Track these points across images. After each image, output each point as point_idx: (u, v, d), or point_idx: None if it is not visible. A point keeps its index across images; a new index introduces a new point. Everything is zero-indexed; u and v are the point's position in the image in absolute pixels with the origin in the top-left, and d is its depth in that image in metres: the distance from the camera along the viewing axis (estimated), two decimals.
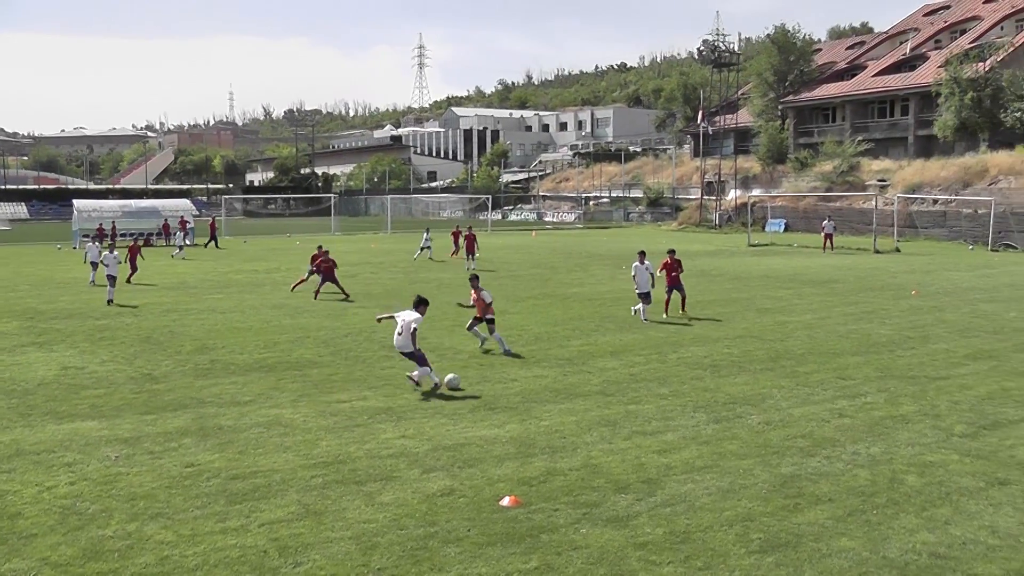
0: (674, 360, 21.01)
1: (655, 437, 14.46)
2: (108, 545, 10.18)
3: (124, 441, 14.22)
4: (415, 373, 17.91)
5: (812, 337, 24.38)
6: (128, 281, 37.78)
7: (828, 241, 57.52)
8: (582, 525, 10.75)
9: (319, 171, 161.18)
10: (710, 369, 20.01)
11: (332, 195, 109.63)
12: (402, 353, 18.29)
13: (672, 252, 28.59)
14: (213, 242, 63.97)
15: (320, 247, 35.39)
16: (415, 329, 18.08)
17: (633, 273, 27.58)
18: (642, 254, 27.70)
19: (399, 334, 18.08)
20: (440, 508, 11.29)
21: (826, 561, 9.83)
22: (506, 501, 11.46)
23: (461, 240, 48.39)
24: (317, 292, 32.89)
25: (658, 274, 27.60)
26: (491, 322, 22.52)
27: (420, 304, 18.57)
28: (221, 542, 10.27)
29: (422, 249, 52.00)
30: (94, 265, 37.39)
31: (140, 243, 42.34)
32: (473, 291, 22.63)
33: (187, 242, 58.39)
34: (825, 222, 60.51)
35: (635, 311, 27.70)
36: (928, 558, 9.96)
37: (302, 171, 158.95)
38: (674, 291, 28.02)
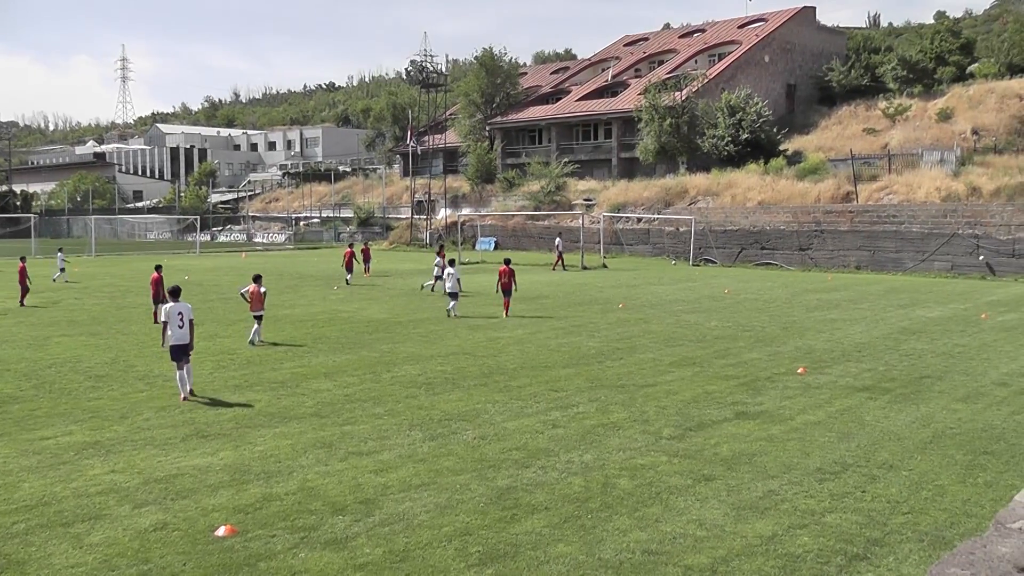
0: (388, 379, 21.08)
1: (371, 457, 14.46)
2: None
3: None
4: (189, 380, 18.99)
5: (524, 352, 24.97)
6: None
7: (560, 259, 59.61)
8: (300, 550, 10.64)
9: (17, 189, 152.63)
10: (424, 387, 20.17)
11: (32, 215, 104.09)
12: (182, 347, 18.79)
13: (508, 261, 34.30)
14: None
15: (157, 267, 33.06)
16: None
17: (444, 276, 34.25)
18: (452, 261, 35.30)
19: (180, 327, 18.68)
20: (153, 544, 10.89)
21: (544, 568, 10.09)
22: (221, 531, 11.17)
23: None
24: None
25: (496, 288, 33.81)
26: (260, 319, 26.78)
27: (178, 293, 19.58)
28: None
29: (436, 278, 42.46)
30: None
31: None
32: (254, 284, 26.78)
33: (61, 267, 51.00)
34: (557, 239, 62.76)
35: (427, 288, 35.65)
36: (641, 555, 10.40)
37: None
38: (506, 295, 33.06)
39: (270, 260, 71.59)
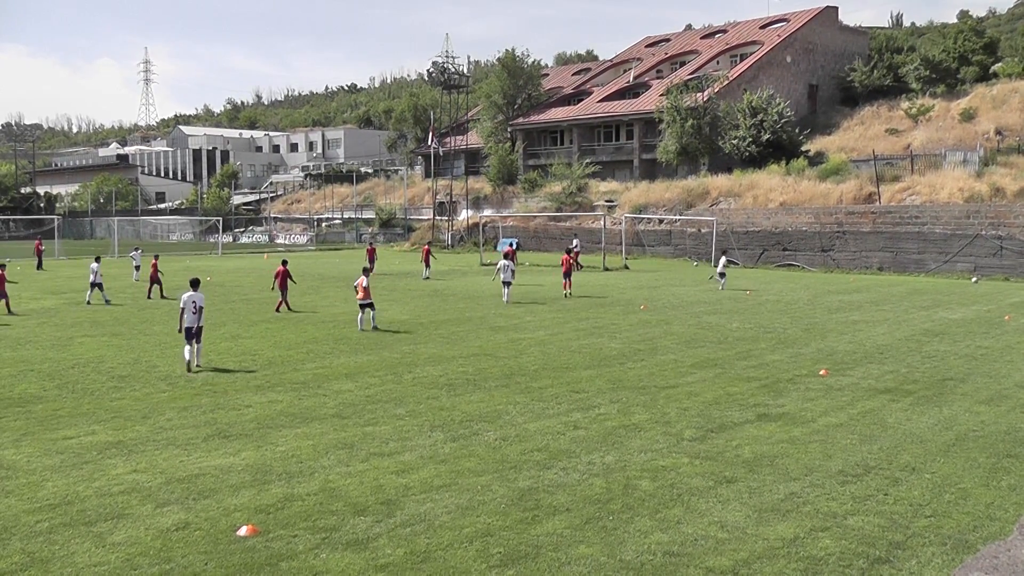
0: (410, 380, 21.10)
1: (393, 458, 14.47)
2: None
3: None
4: (197, 358, 22.59)
5: (545, 353, 24.96)
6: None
7: (575, 260, 59.97)
8: (322, 550, 10.65)
9: (41, 191, 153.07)
10: (446, 388, 20.18)
11: (56, 217, 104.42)
12: (193, 328, 22.39)
13: (569, 251, 43.59)
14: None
15: (284, 262, 36.63)
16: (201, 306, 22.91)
17: (499, 268, 38.85)
18: (506, 255, 40.50)
19: (194, 312, 22.43)
20: (175, 543, 10.92)
21: (565, 569, 10.08)
22: (243, 531, 11.19)
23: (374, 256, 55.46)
24: (281, 304, 35.18)
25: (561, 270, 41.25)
26: (371, 306, 29.94)
27: (197, 284, 23.46)
28: None
29: (717, 276, 45.32)
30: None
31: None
32: (363, 276, 30.24)
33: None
34: (575, 240, 62.92)
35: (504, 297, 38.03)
36: (663, 557, 10.39)
37: (22, 191, 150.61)
38: (568, 277, 40.84)
39: (292, 261, 71.60)
